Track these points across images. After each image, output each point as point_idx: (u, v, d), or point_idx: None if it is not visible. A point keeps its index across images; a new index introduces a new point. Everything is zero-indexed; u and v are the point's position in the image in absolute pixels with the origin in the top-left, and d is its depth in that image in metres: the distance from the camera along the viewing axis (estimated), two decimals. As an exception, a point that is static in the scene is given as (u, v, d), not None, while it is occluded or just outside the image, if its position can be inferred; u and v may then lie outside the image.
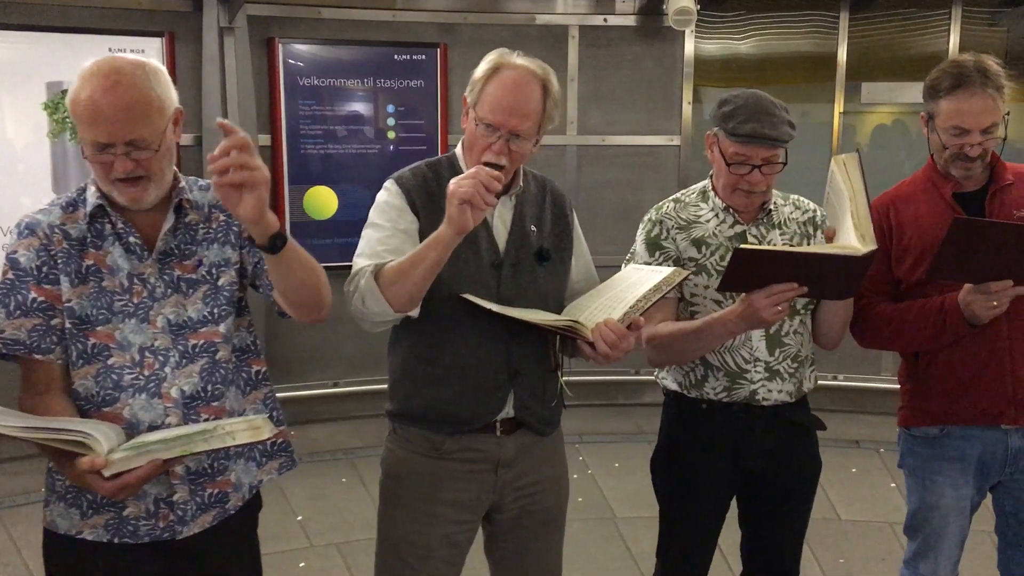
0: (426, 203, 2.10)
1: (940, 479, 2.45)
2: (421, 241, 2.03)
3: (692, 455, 2.43)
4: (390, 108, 5.24)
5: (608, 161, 5.64)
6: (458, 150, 2.17)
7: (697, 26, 5.57)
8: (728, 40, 5.79)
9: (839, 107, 5.67)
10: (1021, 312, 2.25)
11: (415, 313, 2.03)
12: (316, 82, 5.11)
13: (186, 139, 4.92)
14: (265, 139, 5.06)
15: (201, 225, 1.89)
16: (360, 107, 5.21)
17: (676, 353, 2.34)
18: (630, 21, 5.51)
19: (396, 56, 5.21)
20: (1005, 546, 2.49)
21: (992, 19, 5.65)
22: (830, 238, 2.20)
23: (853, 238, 2.07)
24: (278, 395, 2.06)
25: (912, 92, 5.56)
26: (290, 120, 5.08)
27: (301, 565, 3.84)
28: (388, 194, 2.11)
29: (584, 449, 5.09)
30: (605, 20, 5.50)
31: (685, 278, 2.10)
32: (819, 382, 5.60)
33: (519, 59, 2.08)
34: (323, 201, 5.19)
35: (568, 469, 2.36)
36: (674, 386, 2.45)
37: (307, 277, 1.82)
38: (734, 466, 2.41)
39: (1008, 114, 2.31)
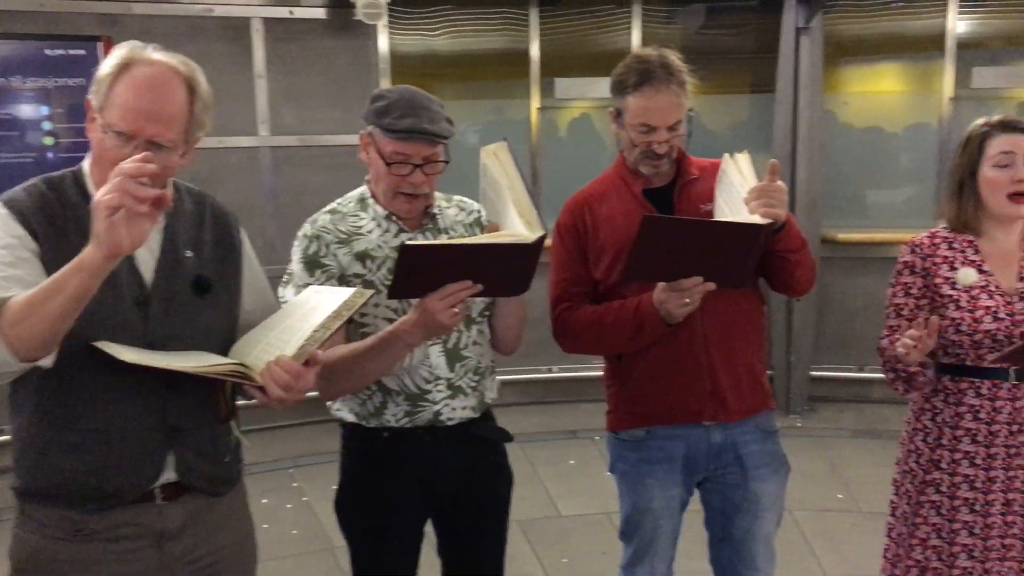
0: (47, 229, 1.70)
1: (650, 481, 2.41)
2: (49, 273, 1.64)
3: (378, 489, 2.24)
4: (44, 110, 4.57)
5: (307, 163, 5.32)
6: (85, 164, 1.78)
7: (391, 21, 5.41)
8: (423, 36, 5.66)
9: (536, 103, 5.73)
10: (714, 308, 2.24)
11: (48, 362, 1.63)
12: (-52, 81, 4.34)
13: None
14: None
15: None
16: (6, 110, 4.50)
17: (351, 379, 2.11)
18: (319, 14, 5.21)
19: (48, 51, 4.54)
20: (714, 540, 2.50)
21: (669, 16, 5.93)
22: (493, 232, 2.08)
23: (520, 226, 1.97)
24: None
25: (602, 87, 5.70)
26: (-84, 126, 4.27)
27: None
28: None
29: (299, 474, 4.76)
30: (291, 12, 5.16)
31: (368, 300, 1.86)
32: (539, 376, 5.73)
33: (156, 54, 1.73)
34: (-34, 221, 4.42)
35: (255, 524, 2.03)
36: (351, 417, 2.24)
37: None
38: (424, 494, 2.26)
39: (692, 110, 2.30)
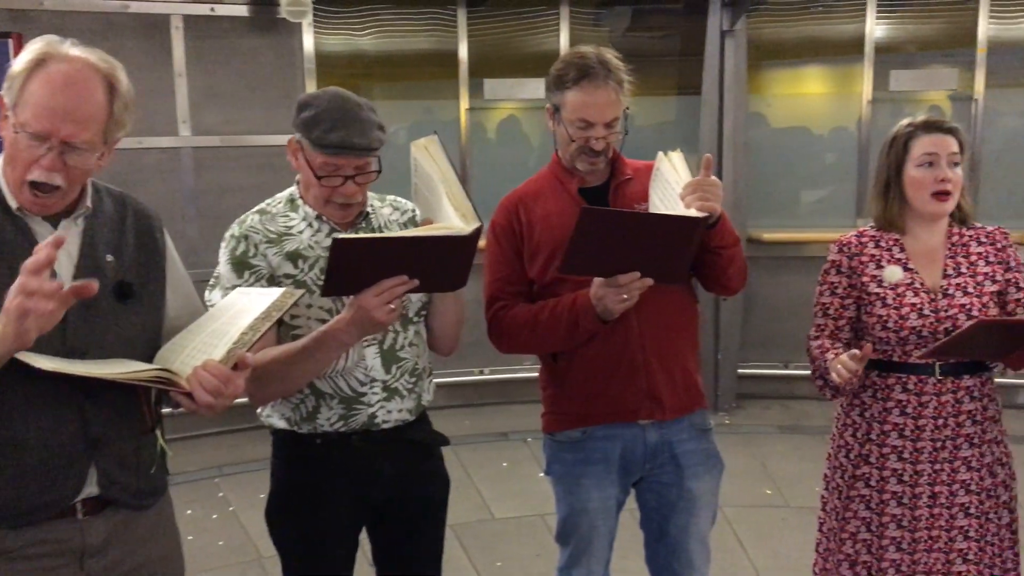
0: None
1: (586, 482, 2.40)
2: None
3: (310, 497, 2.18)
4: (-49, 109, 4.36)
5: (230, 163, 5.20)
6: (-2, 163, 1.69)
7: (316, 20, 5.32)
8: (349, 35, 5.59)
9: (465, 104, 5.70)
10: (649, 307, 2.23)
11: None
12: None
13: None
14: None
15: None
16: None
17: (283, 382, 2.06)
18: (241, 11, 5.09)
19: (-46, 47, 4.35)
20: (650, 540, 2.50)
21: (595, 19, 5.97)
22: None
23: (455, 219, 1.94)
24: None
25: (531, 88, 5.74)
26: None
27: None
28: None
29: (224, 483, 4.63)
30: (212, 9, 5.03)
31: (298, 300, 1.81)
32: (469, 378, 5.71)
33: (74, 49, 1.65)
34: None
35: (181, 540, 1.96)
36: (282, 423, 2.18)
37: None
38: (358, 501, 2.20)
39: (628, 109, 2.30)
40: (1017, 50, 5.86)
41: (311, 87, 5.27)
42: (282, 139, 5.48)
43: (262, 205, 2.18)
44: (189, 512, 4.19)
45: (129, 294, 1.74)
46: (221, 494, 4.50)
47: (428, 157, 2.06)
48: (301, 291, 1.85)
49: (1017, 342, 2.18)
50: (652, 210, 2.24)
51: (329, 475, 2.17)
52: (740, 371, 5.72)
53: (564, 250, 2.09)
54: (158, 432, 1.80)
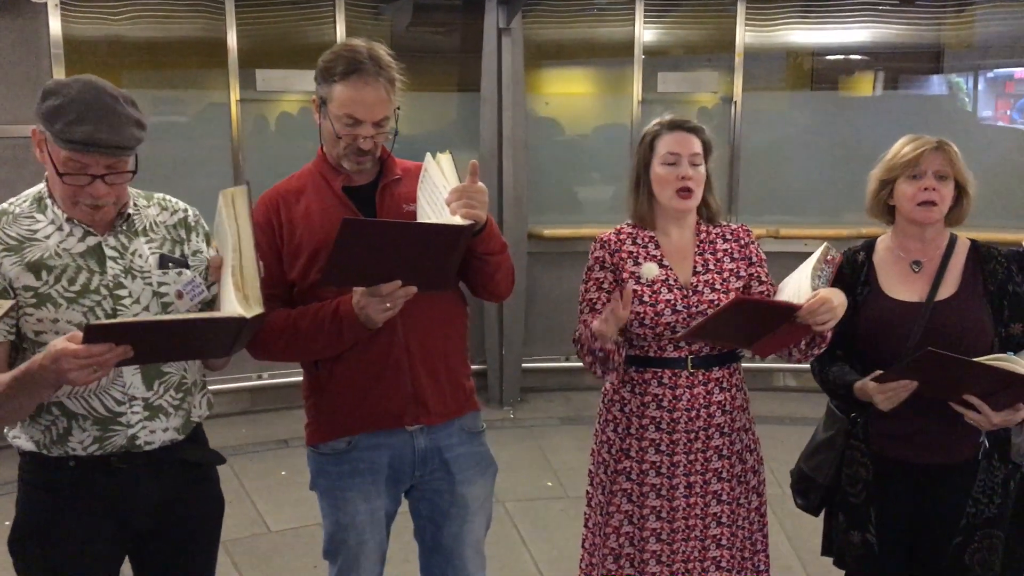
0: None
1: (352, 495, 2.31)
2: None
3: (62, 525, 1.98)
4: None
5: (-37, 157, 4.69)
6: None
7: (64, 1, 4.89)
8: (103, 19, 5.17)
9: (235, 95, 5.42)
10: (414, 311, 2.16)
11: None
12: None
13: None
14: None
15: None
16: None
17: (8, 412, 1.87)
18: (-27, -12, 4.60)
19: None
20: (425, 550, 2.44)
21: (375, 11, 5.85)
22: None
23: (234, 299, 1.86)
24: None
25: (308, 80, 5.51)
26: None
27: None
28: None
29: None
30: (-65, -14, 4.51)
31: (12, 309, 1.62)
32: (247, 383, 5.45)
33: None
34: None
35: None
36: (30, 445, 1.97)
37: None
38: (118, 528, 2.03)
39: (399, 108, 2.22)
40: (771, 56, 6.28)
41: (59, 75, 4.83)
42: (26, 130, 5.02)
43: (4, 204, 1.97)
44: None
45: None
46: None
47: (231, 211, 1.93)
48: (11, 301, 1.65)
49: (767, 326, 2.24)
50: (419, 213, 2.17)
51: (84, 501, 1.98)
52: (524, 365, 5.80)
53: (325, 262, 1.99)
54: None
